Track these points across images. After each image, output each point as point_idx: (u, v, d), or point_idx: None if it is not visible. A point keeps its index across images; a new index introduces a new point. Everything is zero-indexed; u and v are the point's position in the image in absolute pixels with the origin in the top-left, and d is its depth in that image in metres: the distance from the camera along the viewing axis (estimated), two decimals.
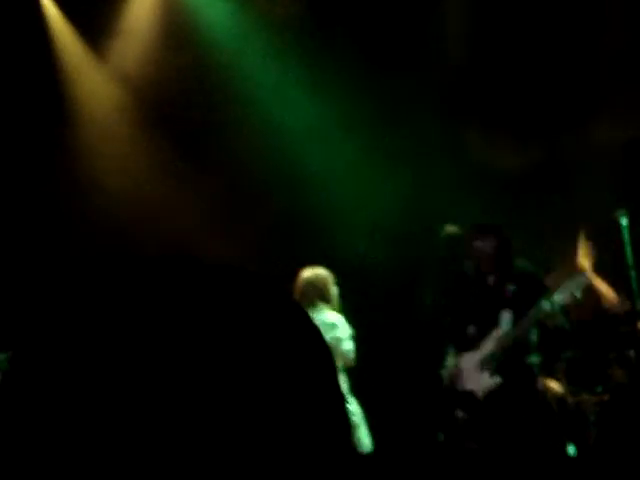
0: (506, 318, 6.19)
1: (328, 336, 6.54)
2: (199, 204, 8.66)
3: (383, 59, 8.73)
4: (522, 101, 8.62)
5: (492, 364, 6.20)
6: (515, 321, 6.15)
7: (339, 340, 6.63)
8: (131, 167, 8.81)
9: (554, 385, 6.76)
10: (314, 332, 0.86)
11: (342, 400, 0.85)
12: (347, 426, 0.85)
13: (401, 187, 8.44)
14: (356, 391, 6.83)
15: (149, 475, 0.77)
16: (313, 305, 6.68)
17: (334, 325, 6.66)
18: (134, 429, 0.77)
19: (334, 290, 6.86)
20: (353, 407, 6.62)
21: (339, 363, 6.54)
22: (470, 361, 6.33)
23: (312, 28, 8.76)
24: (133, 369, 0.78)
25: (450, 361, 6.46)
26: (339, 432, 0.83)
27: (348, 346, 6.71)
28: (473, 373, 6.26)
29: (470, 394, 6.29)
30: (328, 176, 8.53)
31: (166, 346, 0.79)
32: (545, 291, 6.17)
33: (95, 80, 8.99)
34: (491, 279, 6.39)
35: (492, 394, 6.20)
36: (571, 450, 6.30)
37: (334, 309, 6.85)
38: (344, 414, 0.85)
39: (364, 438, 6.67)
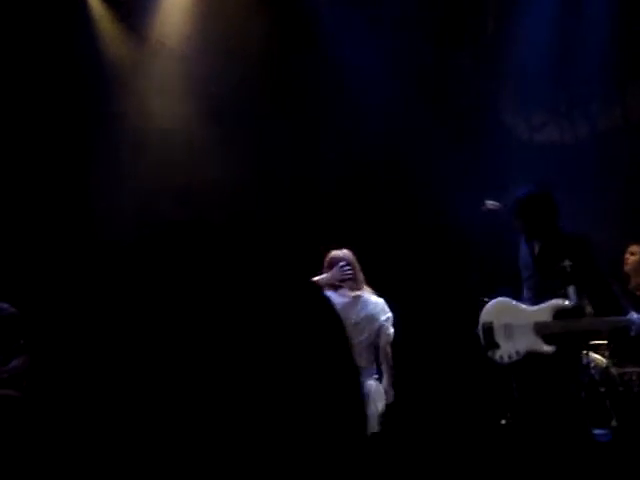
0: (571, 292, 6.11)
1: (384, 316, 6.49)
2: (244, 187, 8.59)
3: None
4: None
5: (546, 333, 6.14)
6: (578, 295, 6.08)
7: (389, 324, 6.57)
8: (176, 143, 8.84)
9: (598, 357, 6.72)
10: (328, 308, 0.88)
11: (356, 373, 0.84)
12: (360, 397, 0.87)
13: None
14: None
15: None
16: (362, 287, 6.61)
17: (384, 307, 6.61)
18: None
19: None
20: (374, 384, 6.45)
21: (384, 345, 6.50)
22: (519, 316, 6.26)
23: None
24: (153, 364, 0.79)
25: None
26: (353, 403, 0.86)
27: (392, 331, 6.65)
28: (522, 330, 6.19)
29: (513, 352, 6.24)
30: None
31: (190, 324, 0.79)
32: (593, 257, 6.12)
33: (137, 59, 9.01)
34: (537, 246, 6.33)
35: (537, 356, 6.14)
36: (614, 422, 6.25)
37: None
38: (358, 387, 0.84)
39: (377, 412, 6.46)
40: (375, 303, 6.52)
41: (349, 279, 6.47)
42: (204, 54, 8.76)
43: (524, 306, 6.25)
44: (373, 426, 6.24)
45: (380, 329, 6.47)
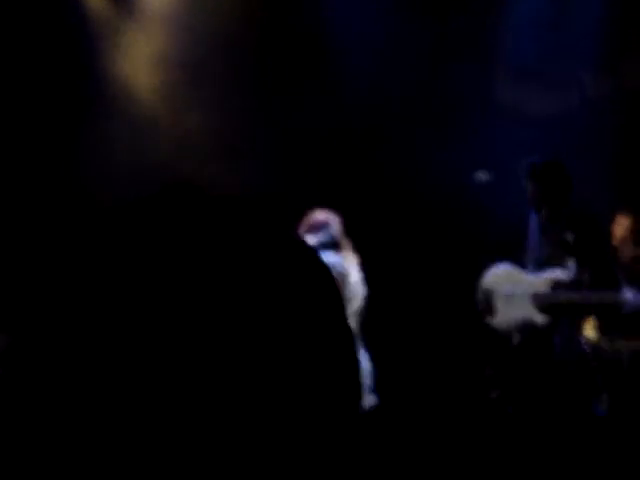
0: (570, 266, 6.12)
1: (364, 285, 6.40)
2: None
3: None
4: None
5: (542, 304, 6.13)
6: (577, 270, 6.08)
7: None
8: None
9: (589, 332, 6.70)
10: (321, 267, 0.83)
11: (351, 338, 0.81)
12: (356, 365, 0.82)
13: None
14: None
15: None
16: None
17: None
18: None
19: None
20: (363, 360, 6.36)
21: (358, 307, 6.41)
22: (519, 285, 6.25)
23: None
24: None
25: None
26: (348, 371, 0.80)
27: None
28: (521, 299, 6.19)
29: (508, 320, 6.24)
30: None
31: (168, 290, 0.77)
32: (603, 236, 6.13)
33: (123, 25, 8.93)
34: (544, 214, 6.33)
35: (531, 328, 6.15)
36: (605, 397, 6.25)
37: None
38: (353, 352, 0.82)
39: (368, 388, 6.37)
40: (359, 271, 6.42)
41: (346, 241, 6.33)
42: (191, 20, 8.70)
43: (525, 274, 6.25)
44: (371, 398, 6.19)
45: (363, 298, 6.37)
